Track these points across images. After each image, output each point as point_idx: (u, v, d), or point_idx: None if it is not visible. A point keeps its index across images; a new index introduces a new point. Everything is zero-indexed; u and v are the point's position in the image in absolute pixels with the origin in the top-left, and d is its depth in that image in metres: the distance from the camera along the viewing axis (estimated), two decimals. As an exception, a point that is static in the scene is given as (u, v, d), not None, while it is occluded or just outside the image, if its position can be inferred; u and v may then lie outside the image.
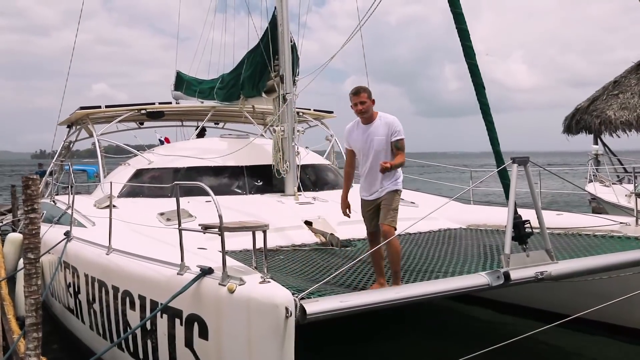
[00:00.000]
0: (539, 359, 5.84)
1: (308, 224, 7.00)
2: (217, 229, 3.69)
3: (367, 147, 4.66)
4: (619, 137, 17.19)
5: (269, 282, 3.45)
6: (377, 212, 4.76)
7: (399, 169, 4.72)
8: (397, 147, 4.63)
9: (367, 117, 4.65)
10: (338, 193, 8.56)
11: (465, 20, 4.99)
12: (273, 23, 8.75)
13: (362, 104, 4.58)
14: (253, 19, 9.47)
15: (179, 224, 4.14)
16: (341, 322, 4.37)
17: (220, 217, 3.64)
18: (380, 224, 4.65)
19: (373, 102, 4.68)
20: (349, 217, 5.17)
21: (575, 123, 17.87)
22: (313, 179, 9.05)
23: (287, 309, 3.22)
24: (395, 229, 4.61)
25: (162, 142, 12.60)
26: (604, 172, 15.15)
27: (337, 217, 7.16)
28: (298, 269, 5.30)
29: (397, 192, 4.70)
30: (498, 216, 7.43)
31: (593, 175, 14.82)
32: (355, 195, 5.10)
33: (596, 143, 17.64)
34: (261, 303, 3.30)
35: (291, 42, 8.66)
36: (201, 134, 12.01)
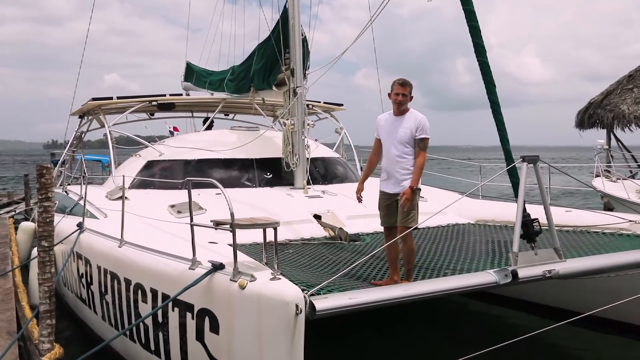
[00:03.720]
0: (548, 356, 5.86)
1: (317, 217, 7.04)
2: (228, 226, 3.75)
3: (391, 138, 4.75)
4: (632, 131, 16.99)
5: (279, 278, 3.50)
6: (394, 207, 4.76)
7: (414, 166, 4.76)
8: (419, 145, 4.71)
9: (401, 109, 4.80)
10: (347, 186, 8.66)
11: (476, 18, 4.97)
12: (284, 16, 8.75)
13: (404, 96, 4.74)
14: (264, 10, 9.50)
15: (191, 220, 4.20)
16: (351, 316, 4.42)
17: (231, 213, 3.69)
18: (398, 226, 4.66)
19: (411, 98, 4.83)
20: (361, 201, 5.17)
21: (588, 117, 17.66)
22: (322, 172, 9.08)
23: (297, 306, 3.26)
24: (415, 227, 4.65)
25: (172, 133, 12.69)
26: (613, 167, 15.01)
27: (346, 211, 7.22)
28: (307, 263, 5.34)
29: (415, 189, 4.70)
30: (507, 211, 7.41)
31: (603, 170, 14.68)
32: (370, 188, 5.13)
33: (609, 137, 17.44)
34: (272, 300, 3.35)
35: (302, 35, 8.66)
36: (209, 125, 12.07)
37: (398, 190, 4.70)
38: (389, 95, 4.84)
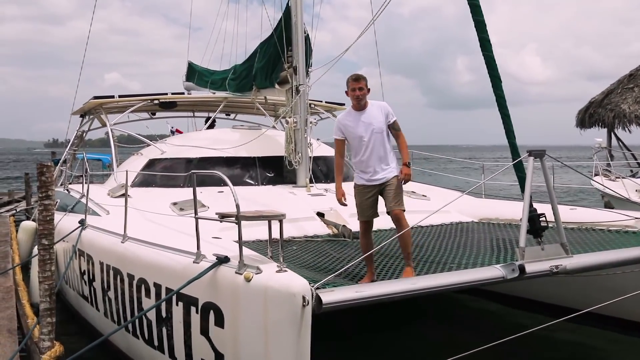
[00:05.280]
0: (550, 353, 5.83)
1: (320, 215, 7.00)
2: (234, 218, 3.71)
3: (367, 132, 4.77)
4: (630, 132, 16.96)
5: (285, 271, 3.46)
6: (376, 199, 4.82)
7: (391, 153, 4.90)
8: (395, 128, 4.88)
9: (362, 104, 4.85)
10: (349, 185, 8.59)
11: (482, 12, 4.95)
12: (287, 14, 8.74)
13: (360, 89, 4.79)
14: (267, 9, 9.49)
15: (195, 212, 4.16)
16: (354, 313, 4.38)
17: (237, 205, 3.66)
18: (392, 210, 4.72)
19: (368, 90, 4.89)
20: (346, 205, 5.13)
21: (588, 117, 17.64)
22: (324, 171, 9.05)
23: (304, 297, 3.23)
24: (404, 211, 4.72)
25: (173, 133, 12.66)
26: (614, 167, 14.98)
27: (348, 209, 7.13)
28: (311, 260, 5.31)
29: (397, 176, 4.85)
30: (510, 210, 7.39)
31: (602, 169, 14.64)
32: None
33: (610, 136, 17.41)
34: (278, 292, 3.32)
35: (304, 33, 8.65)
36: (211, 125, 12.06)
37: (383, 180, 4.76)
38: (347, 93, 4.87)
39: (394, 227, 4.83)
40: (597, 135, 17.36)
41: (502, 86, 4.92)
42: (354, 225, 6.68)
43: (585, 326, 5.78)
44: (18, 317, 6.37)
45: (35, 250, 6.34)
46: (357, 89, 4.76)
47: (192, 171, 4.46)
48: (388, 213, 4.76)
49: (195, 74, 12.88)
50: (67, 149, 12.20)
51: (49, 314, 5.34)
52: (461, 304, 7.44)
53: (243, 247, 3.70)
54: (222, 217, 3.95)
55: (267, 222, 3.94)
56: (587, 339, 6.07)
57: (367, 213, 4.85)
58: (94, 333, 6.16)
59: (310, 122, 8.87)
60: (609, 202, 13.64)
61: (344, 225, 6.66)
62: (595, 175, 14.44)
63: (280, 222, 3.77)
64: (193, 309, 3.96)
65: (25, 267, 8.96)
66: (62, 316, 6.78)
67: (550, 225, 4.54)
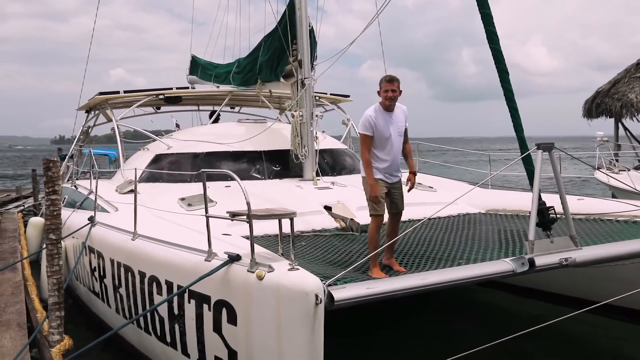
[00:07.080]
0: (559, 343, 5.84)
1: (327, 209, 7.00)
2: (245, 217, 3.73)
3: (394, 133, 4.84)
4: (638, 121, 16.82)
5: (297, 269, 3.48)
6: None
7: None
8: (405, 134, 5.00)
9: (393, 105, 4.84)
10: (356, 178, 8.53)
11: (489, 5, 4.93)
12: (291, 7, 8.70)
13: (393, 92, 4.80)
14: (270, 2, 9.44)
15: (206, 211, 4.18)
16: (362, 308, 4.38)
17: (248, 204, 3.68)
18: (399, 211, 4.93)
19: (400, 92, 4.86)
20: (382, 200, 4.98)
21: (595, 106, 17.49)
22: (331, 164, 9.05)
23: (317, 295, 3.25)
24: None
25: (178, 127, 12.65)
26: (614, 159, 14.88)
27: (356, 201, 7.16)
28: (320, 255, 5.32)
29: (401, 179, 5.04)
30: (517, 201, 7.37)
31: (607, 161, 14.53)
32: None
33: (617, 126, 17.29)
34: (291, 290, 3.34)
35: (309, 26, 8.62)
36: (216, 118, 12.07)
37: (396, 180, 4.91)
38: (379, 93, 4.86)
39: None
40: (604, 125, 17.23)
41: (509, 80, 4.91)
42: (362, 219, 6.69)
43: (594, 316, 5.78)
44: (27, 311, 6.43)
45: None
46: (390, 90, 4.77)
47: (202, 170, 4.46)
48: (394, 212, 4.86)
49: (198, 67, 12.86)
50: (73, 145, 12.24)
51: (58, 307, 5.39)
52: (470, 295, 7.46)
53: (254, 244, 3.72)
54: (234, 215, 3.97)
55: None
56: (597, 328, 6.08)
57: (383, 207, 4.87)
58: (105, 329, 6.21)
59: (316, 115, 8.86)
60: (613, 194, 13.56)
61: (351, 219, 6.66)
62: (599, 168, 14.34)
63: (291, 219, 3.78)
64: (205, 306, 4.00)
65: (36, 263, 9.03)
66: (71, 311, 6.84)
67: (558, 217, 4.55)
